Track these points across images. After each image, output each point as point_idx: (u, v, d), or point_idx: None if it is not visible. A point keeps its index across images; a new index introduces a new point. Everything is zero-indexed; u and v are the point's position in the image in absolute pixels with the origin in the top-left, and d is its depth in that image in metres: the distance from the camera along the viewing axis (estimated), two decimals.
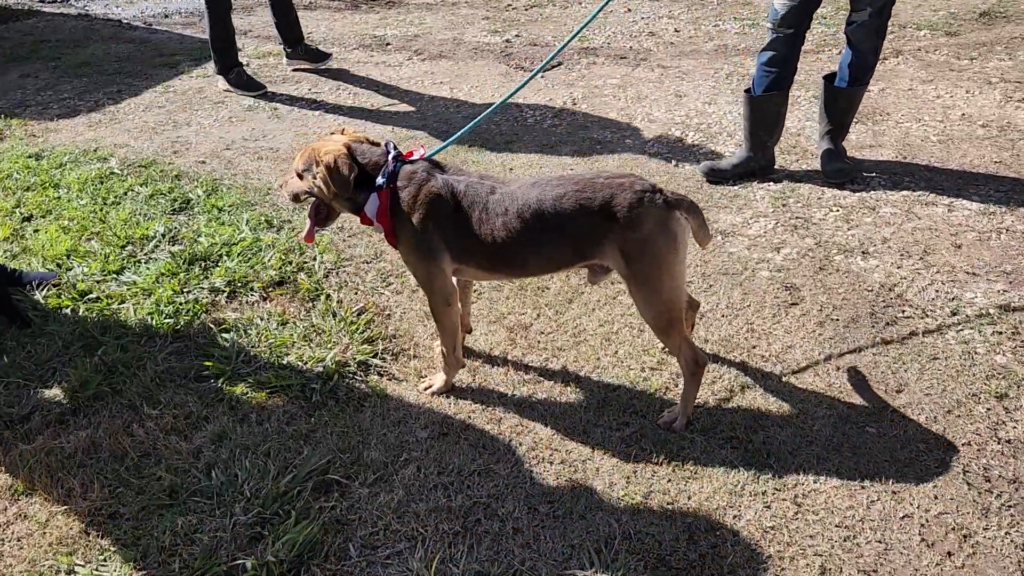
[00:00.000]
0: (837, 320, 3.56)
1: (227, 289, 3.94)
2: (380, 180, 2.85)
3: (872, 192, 4.59)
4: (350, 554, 2.60)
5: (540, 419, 3.10)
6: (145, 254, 4.27)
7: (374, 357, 3.45)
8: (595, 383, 3.27)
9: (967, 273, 3.83)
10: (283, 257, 4.16)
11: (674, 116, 5.81)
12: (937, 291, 3.71)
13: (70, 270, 4.15)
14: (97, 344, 3.56)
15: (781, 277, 3.88)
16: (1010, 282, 3.74)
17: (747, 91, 4.62)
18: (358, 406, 3.20)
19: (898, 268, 3.89)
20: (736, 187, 4.73)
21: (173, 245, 4.36)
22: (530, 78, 3.28)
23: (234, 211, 4.68)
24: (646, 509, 2.71)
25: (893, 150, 5.10)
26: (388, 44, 7.80)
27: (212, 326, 3.66)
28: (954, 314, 3.56)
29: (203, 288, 3.95)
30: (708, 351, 3.39)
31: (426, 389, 3.26)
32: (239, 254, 4.19)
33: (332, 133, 3.10)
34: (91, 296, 3.92)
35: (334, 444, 3.00)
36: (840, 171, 4.65)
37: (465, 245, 2.89)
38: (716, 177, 4.74)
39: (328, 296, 3.89)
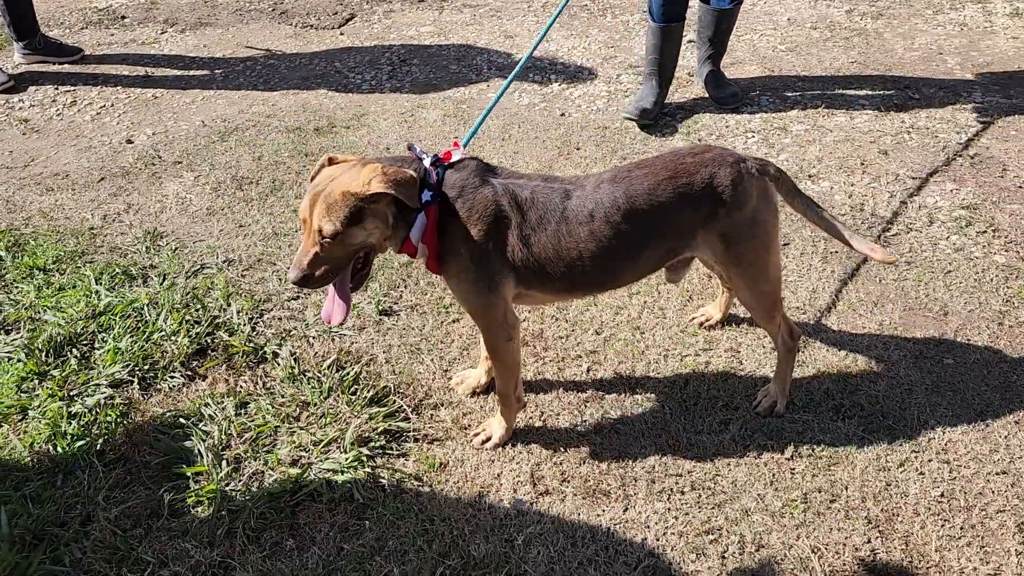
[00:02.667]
0: (836, 252, 3.44)
1: (133, 379, 2.94)
2: (426, 195, 2.23)
3: (771, 113, 4.54)
4: None
5: (635, 442, 2.65)
6: None
7: (398, 421, 2.75)
8: (658, 382, 2.87)
9: (912, 178, 3.90)
10: (179, 317, 3.19)
11: (517, 59, 5.35)
12: (901, 201, 3.73)
13: None
14: None
15: None
16: (954, 179, 3.86)
17: (653, 20, 4.30)
18: (415, 491, 2.53)
19: (852, 185, 3.86)
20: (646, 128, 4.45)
21: (7, 334, 3.18)
22: (529, 53, 2.64)
23: (66, 269, 3.53)
24: (817, 515, 2.41)
25: (756, 65, 5.10)
26: (124, 18, 6.40)
27: (156, 432, 2.70)
28: (932, 222, 3.60)
29: (99, 385, 2.91)
30: (751, 322, 3.11)
31: (484, 443, 2.66)
32: (118, 328, 3.14)
33: (322, 167, 2.31)
34: None
35: (425, 552, 2.33)
36: (734, 95, 4.54)
37: (538, 266, 2.33)
38: (647, 119, 4.39)
39: (276, 355, 3.04)
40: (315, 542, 2.38)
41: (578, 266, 2.33)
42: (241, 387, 2.90)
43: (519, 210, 2.29)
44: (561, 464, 2.59)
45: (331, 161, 2.30)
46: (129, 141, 4.61)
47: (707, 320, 3.07)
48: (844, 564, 2.28)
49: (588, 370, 2.93)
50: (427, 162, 2.28)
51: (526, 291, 2.41)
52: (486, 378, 2.81)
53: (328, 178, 2.20)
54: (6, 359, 3.04)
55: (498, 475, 2.57)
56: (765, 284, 2.50)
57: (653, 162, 2.39)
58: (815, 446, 2.61)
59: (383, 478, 2.56)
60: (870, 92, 4.69)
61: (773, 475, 2.53)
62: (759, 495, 2.47)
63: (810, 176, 3.96)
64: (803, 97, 4.68)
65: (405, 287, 3.36)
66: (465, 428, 2.74)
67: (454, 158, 2.31)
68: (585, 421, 2.74)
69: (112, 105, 5.01)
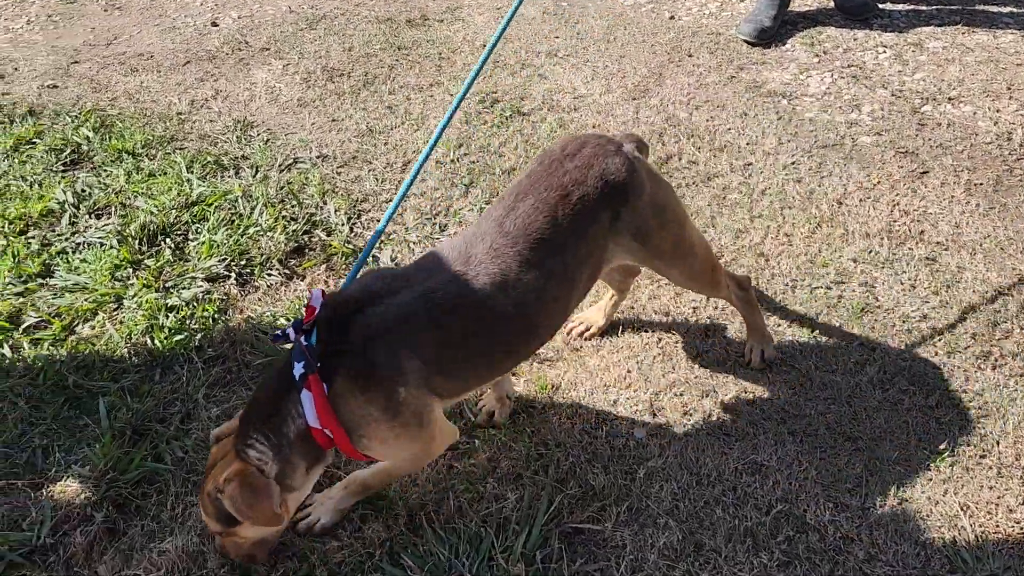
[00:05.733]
0: (981, 184, 3.14)
1: (230, 273, 2.81)
2: (299, 369, 1.71)
3: (904, 28, 4.14)
4: None
5: (762, 377, 2.47)
6: (65, 239, 2.97)
7: None
8: (785, 314, 2.66)
9: None
10: (274, 212, 3.04)
11: None
12: None
13: None
14: (76, 401, 2.40)
15: (887, 141, 3.38)
16: None
17: None
18: (526, 412, 2.38)
19: (997, 112, 3.51)
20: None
21: (99, 219, 3.06)
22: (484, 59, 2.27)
23: (156, 155, 3.39)
24: (966, 470, 2.21)
25: None
26: None
27: (256, 332, 2.58)
28: None
29: (195, 279, 2.79)
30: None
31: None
32: (213, 220, 3.01)
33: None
34: (27, 324, 2.64)
35: (541, 478, 2.19)
36: (864, 5, 4.15)
37: (456, 372, 1.89)
38: (766, 38, 4.04)
39: (375, 259, 2.89)
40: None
41: (500, 343, 1.92)
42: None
43: (414, 327, 1.78)
44: (682, 396, 2.42)
45: (218, 439, 1.90)
46: (214, 24, 4.40)
47: (587, 329, 2.61)
48: (997, 525, 2.09)
49: (707, 298, 2.73)
50: (291, 332, 1.77)
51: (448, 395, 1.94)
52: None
53: (210, 466, 1.84)
54: (98, 244, 2.93)
55: (614, 402, 2.41)
56: (695, 260, 2.21)
57: (534, 186, 1.94)
58: (962, 395, 2.40)
59: None
60: (1015, 9, 4.25)
61: (916, 423, 2.33)
62: (901, 444, 2.28)
63: (950, 99, 3.61)
64: (940, 12, 4.26)
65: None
66: (577, 350, 2.57)
67: (315, 309, 1.77)
68: (707, 352, 2.55)
69: None
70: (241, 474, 1.74)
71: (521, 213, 1.90)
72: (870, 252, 2.86)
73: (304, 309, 1.80)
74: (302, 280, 2.82)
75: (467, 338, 1.84)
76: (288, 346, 1.80)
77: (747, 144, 3.37)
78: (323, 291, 1.81)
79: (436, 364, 1.80)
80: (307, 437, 1.77)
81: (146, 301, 2.67)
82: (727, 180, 3.19)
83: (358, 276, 2.01)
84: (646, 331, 2.61)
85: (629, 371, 2.49)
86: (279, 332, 1.79)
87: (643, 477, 2.20)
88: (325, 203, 3.12)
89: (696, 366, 2.50)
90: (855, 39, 4.07)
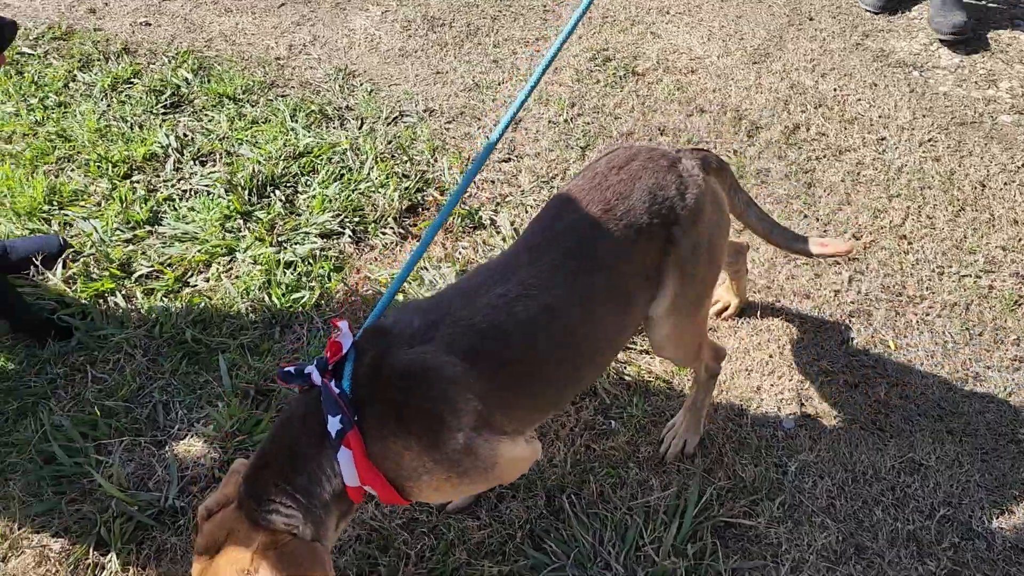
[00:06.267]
0: None
1: (343, 231, 2.70)
2: (335, 424, 1.44)
3: None
4: None
5: (912, 369, 2.32)
6: (171, 185, 2.86)
7: None
8: (933, 304, 2.51)
9: None
10: (385, 168, 2.91)
11: None
12: None
13: (70, 226, 2.70)
14: (195, 356, 2.32)
15: None
16: None
17: None
18: (664, 394, 2.26)
19: None
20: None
21: (203, 166, 2.96)
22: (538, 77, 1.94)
23: (257, 101, 3.26)
24: None
25: None
26: None
27: (376, 295, 2.48)
28: None
29: (308, 234, 2.68)
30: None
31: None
32: (323, 173, 2.89)
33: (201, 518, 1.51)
34: (140, 273, 2.56)
35: (687, 466, 2.08)
36: (958, 27, 3.59)
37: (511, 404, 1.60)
38: (890, 6, 3.79)
39: (493, 222, 2.76)
40: (559, 436, 2.15)
41: (559, 373, 1.66)
42: (460, 253, 2.63)
43: (464, 365, 1.51)
44: (829, 386, 2.29)
45: (209, 514, 1.49)
46: None
47: (724, 308, 2.47)
48: None
49: (849, 280, 2.57)
50: (316, 377, 1.48)
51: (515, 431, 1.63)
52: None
53: (209, 550, 1.43)
54: (205, 193, 2.83)
55: (757, 388, 2.28)
56: (701, 323, 1.90)
57: (577, 199, 1.69)
58: None
59: (628, 375, 2.30)
60: None
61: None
62: None
63: None
64: None
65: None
66: (713, 330, 2.43)
67: (344, 346, 1.51)
68: (852, 339, 2.41)
69: None
70: (275, 545, 1.40)
71: (564, 229, 1.65)
72: (1020, 240, 2.68)
73: (327, 345, 1.49)
74: (417, 240, 2.70)
75: (523, 372, 1.58)
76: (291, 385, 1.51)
77: (879, 117, 3.18)
78: (349, 323, 1.54)
79: (495, 402, 1.53)
80: (341, 496, 1.49)
81: (261, 255, 2.57)
82: (860, 155, 3.01)
83: (388, 310, 1.69)
84: (785, 314, 2.47)
85: (771, 356, 2.35)
86: (290, 370, 1.50)
87: (795, 471, 2.08)
88: (436, 160, 2.99)
89: (842, 353, 2.36)
90: (988, 7, 3.82)
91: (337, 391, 1.45)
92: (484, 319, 1.54)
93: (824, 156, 3.02)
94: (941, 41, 3.55)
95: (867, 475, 2.08)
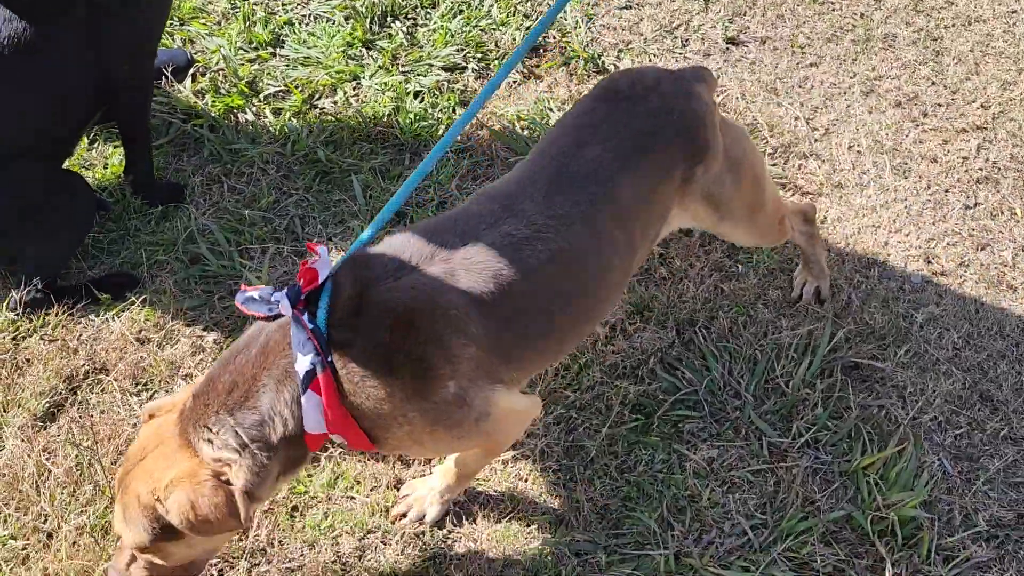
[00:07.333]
0: None
1: (466, 65, 2.68)
2: (305, 365, 1.28)
3: None
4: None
5: None
6: (290, 9, 2.83)
7: None
8: (983, 232, 2.48)
9: None
10: (507, 5, 2.86)
11: None
12: None
13: (193, 43, 2.70)
14: (327, 176, 2.36)
15: None
16: None
17: None
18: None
19: None
20: None
21: None
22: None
23: None
24: None
25: None
26: None
27: (510, 133, 2.48)
28: None
29: (432, 66, 2.67)
30: None
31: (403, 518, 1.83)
32: (444, 7, 2.84)
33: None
34: (267, 92, 2.56)
35: (817, 309, 2.13)
36: None
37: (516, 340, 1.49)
38: None
39: (616, 68, 2.73)
40: (687, 276, 2.19)
41: (562, 318, 1.55)
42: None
43: (461, 304, 1.37)
44: (956, 246, 2.30)
45: (151, 417, 1.42)
46: None
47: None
48: None
49: (978, 148, 2.55)
50: (286, 306, 1.27)
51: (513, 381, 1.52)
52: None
53: (137, 454, 1.37)
54: (325, 19, 2.80)
55: (885, 243, 2.30)
56: (765, 217, 1.86)
57: (598, 129, 1.56)
58: None
59: None
60: None
61: None
62: None
63: None
64: None
65: (751, 15, 2.93)
66: (839, 186, 2.43)
67: (320, 275, 1.31)
68: (979, 204, 2.41)
69: None
70: (194, 482, 1.27)
71: (584, 163, 1.52)
72: None
73: (300, 271, 1.30)
74: (539, 81, 2.68)
75: (527, 319, 1.46)
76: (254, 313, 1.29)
77: None
78: (328, 249, 1.43)
79: (493, 347, 1.40)
80: (295, 442, 1.34)
81: (388, 83, 2.57)
82: (990, 27, 2.92)
83: (381, 234, 1.55)
84: (911, 175, 2.46)
85: (898, 214, 2.36)
86: (252, 295, 1.29)
87: (922, 322, 2.12)
88: None
89: (968, 218, 2.37)
90: None
91: (311, 326, 1.28)
92: (486, 258, 1.39)
93: (953, 25, 2.93)
94: None
95: (992, 331, 2.12)
